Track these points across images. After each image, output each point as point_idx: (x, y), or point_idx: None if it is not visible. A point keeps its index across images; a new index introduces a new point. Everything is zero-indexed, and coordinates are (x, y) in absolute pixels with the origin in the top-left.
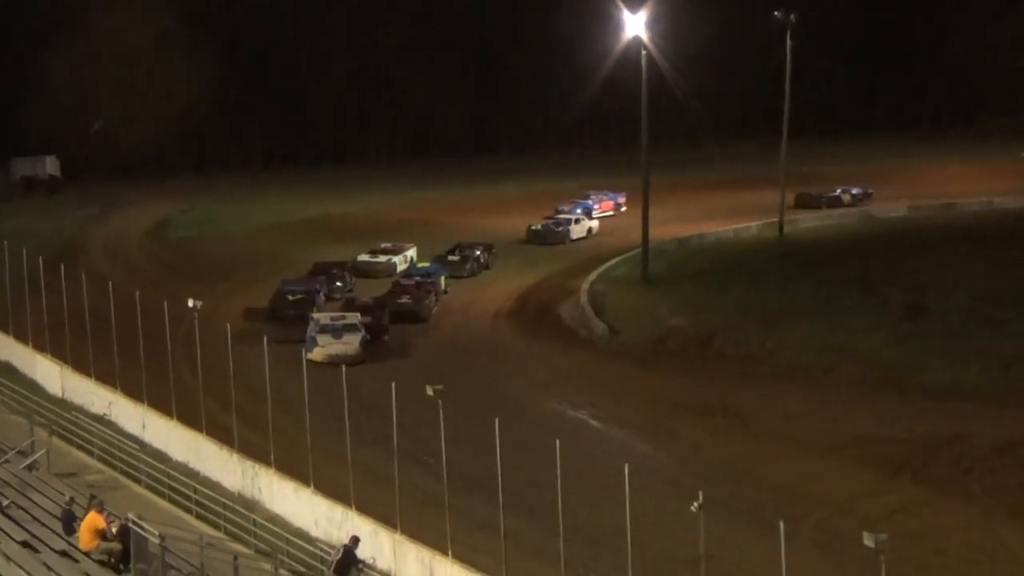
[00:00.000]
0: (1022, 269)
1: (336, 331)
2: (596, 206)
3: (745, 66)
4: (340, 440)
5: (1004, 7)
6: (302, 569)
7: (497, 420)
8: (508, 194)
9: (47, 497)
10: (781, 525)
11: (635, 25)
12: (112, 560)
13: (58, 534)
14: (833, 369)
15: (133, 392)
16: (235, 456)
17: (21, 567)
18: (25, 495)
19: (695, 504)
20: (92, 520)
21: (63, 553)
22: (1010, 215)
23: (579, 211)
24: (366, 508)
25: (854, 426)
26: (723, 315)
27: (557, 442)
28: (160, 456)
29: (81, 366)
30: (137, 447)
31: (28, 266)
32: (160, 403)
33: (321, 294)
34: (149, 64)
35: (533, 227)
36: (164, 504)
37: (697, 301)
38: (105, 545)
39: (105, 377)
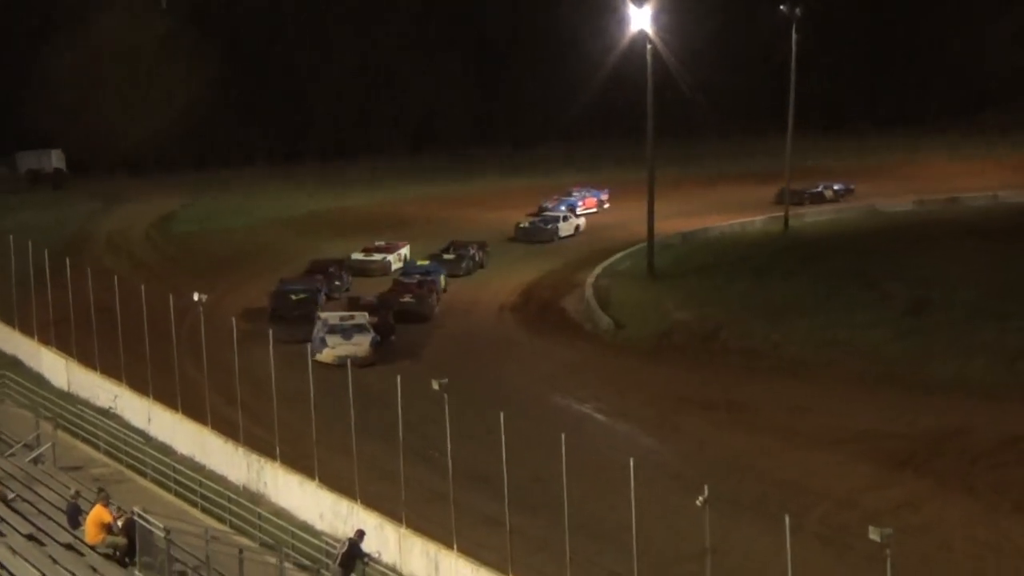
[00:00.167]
0: None
1: (345, 331)
2: (580, 203)
3: (750, 61)
4: (345, 434)
5: (1005, 5)
6: (307, 563)
7: (502, 414)
8: (510, 189)
9: (53, 490)
10: (786, 519)
11: (640, 19)
12: (118, 554)
13: (64, 527)
14: (837, 363)
15: (138, 386)
16: (240, 450)
17: (27, 560)
18: (31, 488)
19: (700, 498)
20: (98, 513)
21: (69, 546)
22: (1015, 210)
23: (563, 208)
24: (371, 502)
25: (858, 420)
26: (728, 309)
27: (563, 436)
28: (166, 449)
29: (86, 359)
30: (143, 440)
31: (33, 260)
32: (165, 397)
33: (322, 293)
34: (153, 58)
35: (521, 225)
36: (170, 497)
37: (702, 295)
38: (111, 539)
39: (110, 370)
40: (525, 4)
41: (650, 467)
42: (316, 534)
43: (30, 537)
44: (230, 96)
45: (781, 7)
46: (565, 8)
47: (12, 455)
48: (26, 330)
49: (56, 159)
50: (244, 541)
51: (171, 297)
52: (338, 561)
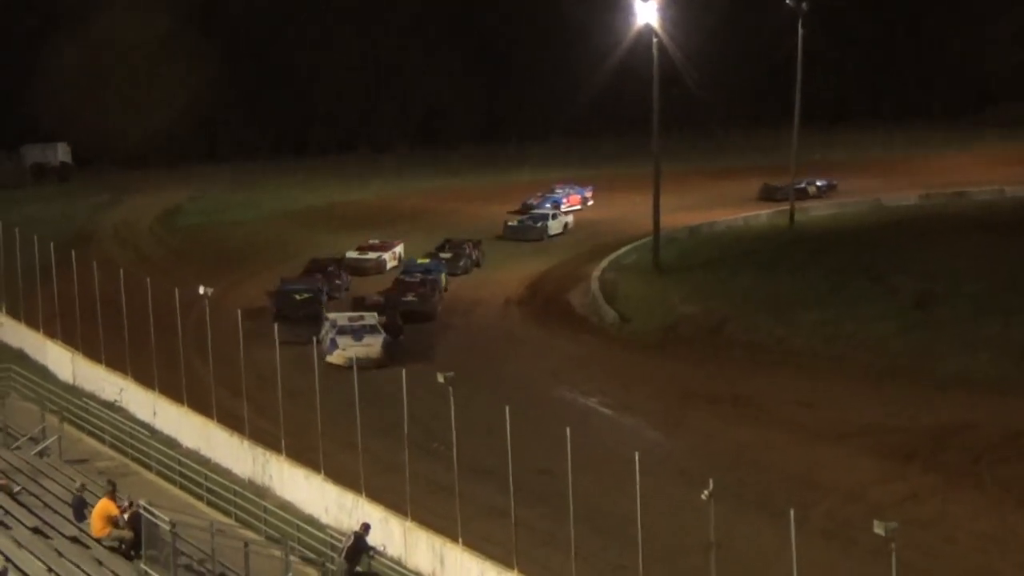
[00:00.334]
0: None
1: (356, 332)
2: (564, 200)
3: (756, 55)
4: (350, 428)
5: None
6: (312, 556)
7: (508, 408)
8: (515, 183)
9: (58, 483)
10: (791, 513)
11: (646, 13)
12: (123, 547)
13: (69, 520)
14: (843, 357)
15: (144, 379)
16: (246, 443)
17: (32, 553)
18: (36, 481)
19: (705, 492)
20: (104, 507)
21: (74, 539)
22: (1022, 203)
23: (548, 205)
24: (376, 495)
25: (863, 414)
26: (733, 303)
27: (568, 430)
28: (171, 443)
29: (92, 353)
30: (148, 434)
31: (39, 253)
32: (171, 390)
33: (325, 293)
34: (160, 51)
35: (509, 223)
36: (175, 491)
37: (708, 289)
38: (116, 532)
39: (116, 364)
40: None
41: (655, 461)
42: (321, 527)
43: (35, 530)
44: (232, 93)
45: (787, 0)
46: (569, 2)
47: (18, 448)
48: (32, 323)
49: (62, 152)
50: (249, 534)
51: (177, 290)
52: (344, 554)
